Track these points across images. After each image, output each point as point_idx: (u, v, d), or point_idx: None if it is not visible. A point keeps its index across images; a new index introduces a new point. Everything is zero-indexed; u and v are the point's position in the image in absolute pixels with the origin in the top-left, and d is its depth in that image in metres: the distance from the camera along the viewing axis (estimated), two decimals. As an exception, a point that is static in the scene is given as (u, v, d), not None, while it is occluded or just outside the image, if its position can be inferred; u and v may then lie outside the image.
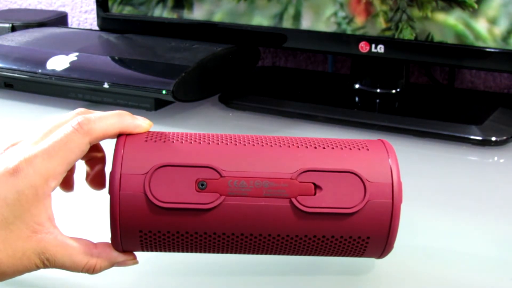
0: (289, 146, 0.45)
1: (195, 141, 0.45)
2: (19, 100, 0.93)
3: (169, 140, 0.44)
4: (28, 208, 0.41)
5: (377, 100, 0.89)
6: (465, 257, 0.55)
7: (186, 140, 0.45)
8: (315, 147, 0.45)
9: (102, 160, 0.49)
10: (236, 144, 0.44)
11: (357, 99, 0.90)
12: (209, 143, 0.44)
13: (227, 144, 0.44)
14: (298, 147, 0.45)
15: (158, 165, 0.43)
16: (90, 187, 0.49)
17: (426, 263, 0.53)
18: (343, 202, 0.43)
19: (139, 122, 0.46)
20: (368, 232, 0.44)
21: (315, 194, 0.43)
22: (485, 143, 0.76)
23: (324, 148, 0.45)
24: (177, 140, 0.45)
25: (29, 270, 0.43)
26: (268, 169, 0.43)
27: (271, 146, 0.45)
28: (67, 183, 0.49)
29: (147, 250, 0.45)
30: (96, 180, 0.49)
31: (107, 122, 0.44)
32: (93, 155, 0.49)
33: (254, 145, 0.45)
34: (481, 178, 0.71)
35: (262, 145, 0.45)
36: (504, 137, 0.76)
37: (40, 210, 0.42)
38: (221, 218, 0.43)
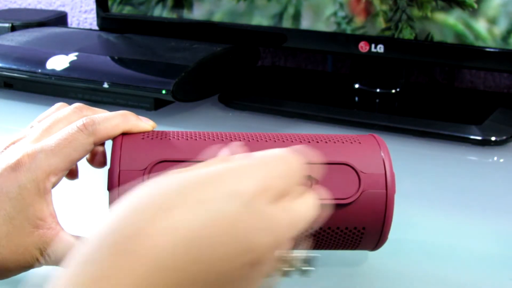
0: (284, 141, 0.46)
1: (192, 138, 0.45)
2: (18, 100, 0.93)
3: (165, 137, 0.45)
4: (30, 202, 0.42)
5: (377, 100, 0.89)
6: (464, 256, 0.55)
7: (183, 137, 0.45)
8: (309, 141, 0.46)
9: None
10: (232, 141, 0.45)
11: (357, 99, 0.90)
12: (205, 140, 0.45)
13: (223, 140, 0.45)
14: (292, 141, 0.46)
15: (156, 161, 0.43)
16: (91, 165, 0.49)
17: (425, 262, 0.53)
18: (338, 193, 0.44)
19: (143, 124, 0.46)
20: (363, 222, 0.44)
21: (311, 186, 0.43)
22: (484, 143, 0.76)
23: (318, 142, 0.46)
24: (174, 137, 0.45)
25: (31, 265, 0.43)
26: None
27: (266, 141, 0.46)
28: (71, 172, 0.48)
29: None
30: (97, 159, 0.48)
31: (112, 123, 0.45)
32: None
33: (249, 140, 0.46)
34: (481, 178, 0.71)
35: (257, 141, 0.46)
36: (504, 137, 0.76)
37: (42, 205, 0.42)
38: None
